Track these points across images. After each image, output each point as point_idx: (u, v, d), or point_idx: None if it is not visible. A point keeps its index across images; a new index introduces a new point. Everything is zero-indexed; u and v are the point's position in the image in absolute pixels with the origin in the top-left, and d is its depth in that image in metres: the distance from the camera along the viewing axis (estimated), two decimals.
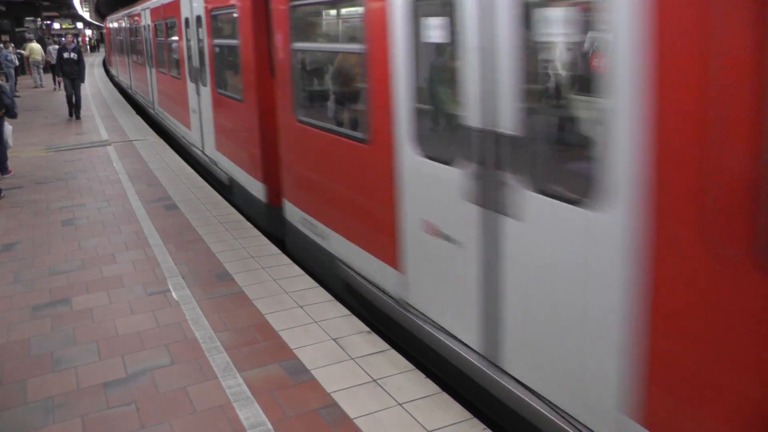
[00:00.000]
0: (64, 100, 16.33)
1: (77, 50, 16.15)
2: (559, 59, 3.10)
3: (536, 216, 2.91)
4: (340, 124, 5.31)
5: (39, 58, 26.05)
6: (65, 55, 15.95)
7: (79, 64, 15.94)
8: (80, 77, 15.95)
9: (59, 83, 16.71)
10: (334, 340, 4.28)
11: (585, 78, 2.92)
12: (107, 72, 33.09)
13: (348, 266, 4.90)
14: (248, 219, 7.23)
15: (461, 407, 3.49)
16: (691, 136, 2.19)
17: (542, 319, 2.98)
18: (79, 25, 67.09)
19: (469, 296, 3.45)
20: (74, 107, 15.91)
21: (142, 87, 17.55)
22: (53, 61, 25.20)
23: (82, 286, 5.35)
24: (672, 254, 2.33)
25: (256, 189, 7.09)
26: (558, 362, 2.94)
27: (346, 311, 4.71)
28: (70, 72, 15.77)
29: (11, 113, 9.22)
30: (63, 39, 19.12)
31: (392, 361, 3.99)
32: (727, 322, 2.19)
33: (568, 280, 2.79)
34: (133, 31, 18.68)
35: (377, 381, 3.77)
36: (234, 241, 6.34)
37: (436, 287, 3.77)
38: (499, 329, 3.25)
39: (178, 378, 3.88)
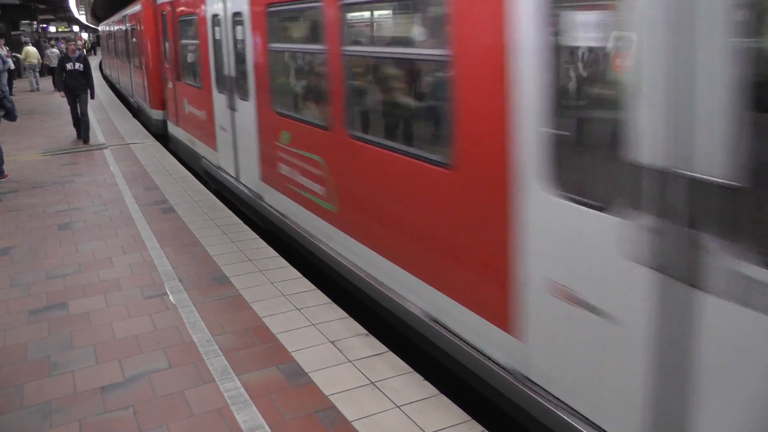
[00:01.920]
0: (61, 102, 14.61)
1: (83, 59, 13.09)
2: None
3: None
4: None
5: (35, 61, 26.04)
6: (68, 66, 12.85)
7: (86, 76, 13.00)
8: (88, 92, 13.07)
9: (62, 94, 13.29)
10: (332, 342, 4.27)
11: None
12: (104, 77, 31.99)
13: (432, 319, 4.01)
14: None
15: (459, 409, 3.49)
16: None
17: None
18: (75, 28, 67.09)
19: (633, 388, 2.63)
20: (82, 125, 13.14)
21: None
22: (51, 64, 25.04)
23: (79, 289, 5.33)
24: None
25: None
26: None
27: (344, 314, 4.70)
28: (74, 86, 12.89)
29: (12, 116, 9.21)
30: (61, 44, 16.82)
31: (390, 364, 3.98)
32: None
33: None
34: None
35: (375, 383, 3.76)
36: (231, 244, 6.33)
37: (576, 368, 2.94)
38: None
39: (175, 381, 3.87)
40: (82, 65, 12.91)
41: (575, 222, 2.80)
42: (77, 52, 13.11)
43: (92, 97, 13.27)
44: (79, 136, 13.29)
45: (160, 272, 5.65)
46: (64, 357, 4.21)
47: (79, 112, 13.05)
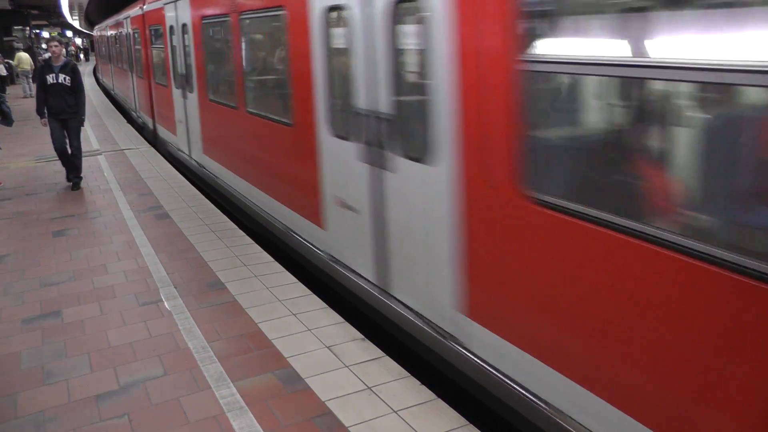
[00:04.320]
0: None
1: (70, 68, 8.94)
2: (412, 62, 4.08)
3: (401, 170, 4.07)
4: None
5: (28, 67, 25.95)
6: (50, 78, 8.77)
7: (76, 92, 8.95)
8: (78, 116, 9.07)
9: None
10: (327, 347, 4.26)
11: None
12: (98, 82, 31.55)
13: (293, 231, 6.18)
14: None
15: (457, 413, 3.48)
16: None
17: (407, 243, 4.07)
18: (68, 33, 66.93)
19: (366, 239, 4.55)
20: (71, 165, 9.27)
21: None
22: None
23: (74, 297, 5.31)
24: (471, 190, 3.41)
25: None
26: (417, 279, 4.03)
27: (340, 319, 4.69)
28: (59, 108, 8.86)
29: (8, 121, 9.11)
30: (45, 50, 12.63)
31: (387, 369, 3.97)
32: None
33: (417, 213, 3.93)
34: None
35: (372, 388, 3.75)
36: (226, 250, 6.31)
37: (347, 240, 4.90)
38: (387, 259, 4.36)
39: (171, 389, 3.85)
40: (68, 77, 8.89)
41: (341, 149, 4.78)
42: (62, 59, 9.03)
43: (82, 122, 9.19)
44: (69, 178, 9.37)
45: (155, 279, 5.63)
46: (58, 365, 4.18)
47: (68, 144, 9.12)
